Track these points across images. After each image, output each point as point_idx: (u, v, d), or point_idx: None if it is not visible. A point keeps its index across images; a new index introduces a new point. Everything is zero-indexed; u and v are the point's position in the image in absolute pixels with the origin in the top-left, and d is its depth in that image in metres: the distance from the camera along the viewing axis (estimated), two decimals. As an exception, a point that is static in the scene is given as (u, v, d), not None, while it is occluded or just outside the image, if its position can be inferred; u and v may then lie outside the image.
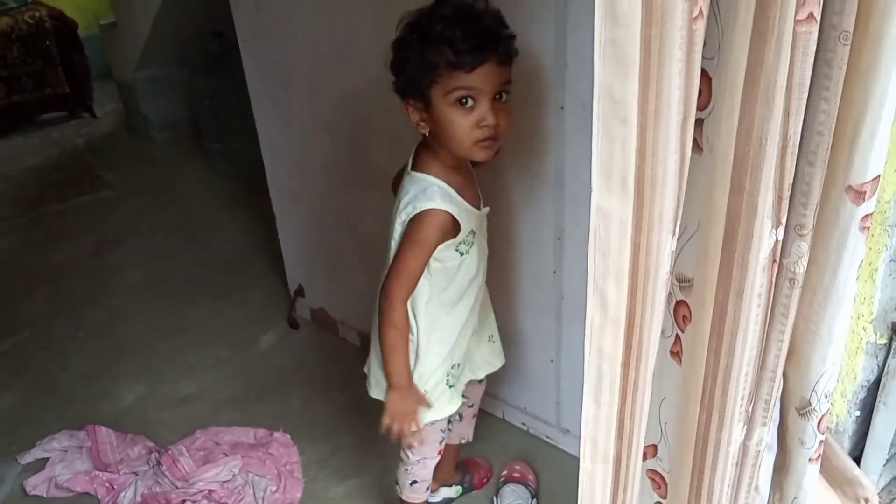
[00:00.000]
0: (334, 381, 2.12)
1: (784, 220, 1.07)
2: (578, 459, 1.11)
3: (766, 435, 1.35)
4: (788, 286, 1.17)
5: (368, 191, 1.96)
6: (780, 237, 1.08)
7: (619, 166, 0.87)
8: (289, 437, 1.93)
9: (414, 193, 1.28)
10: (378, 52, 1.76)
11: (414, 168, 1.32)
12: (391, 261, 1.33)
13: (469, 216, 1.32)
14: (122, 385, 2.22)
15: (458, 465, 1.75)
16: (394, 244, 1.33)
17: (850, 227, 1.10)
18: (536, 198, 1.61)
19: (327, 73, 1.91)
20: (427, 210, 1.26)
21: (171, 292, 2.67)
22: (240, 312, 2.51)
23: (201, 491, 1.72)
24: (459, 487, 1.71)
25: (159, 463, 1.80)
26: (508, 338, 1.88)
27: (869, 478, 1.37)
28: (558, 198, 1.58)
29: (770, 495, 1.47)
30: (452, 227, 1.29)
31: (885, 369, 1.25)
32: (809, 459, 1.34)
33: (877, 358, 1.25)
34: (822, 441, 1.32)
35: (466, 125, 1.21)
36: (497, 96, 1.21)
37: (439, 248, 1.30)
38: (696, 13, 0.81)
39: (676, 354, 1.26)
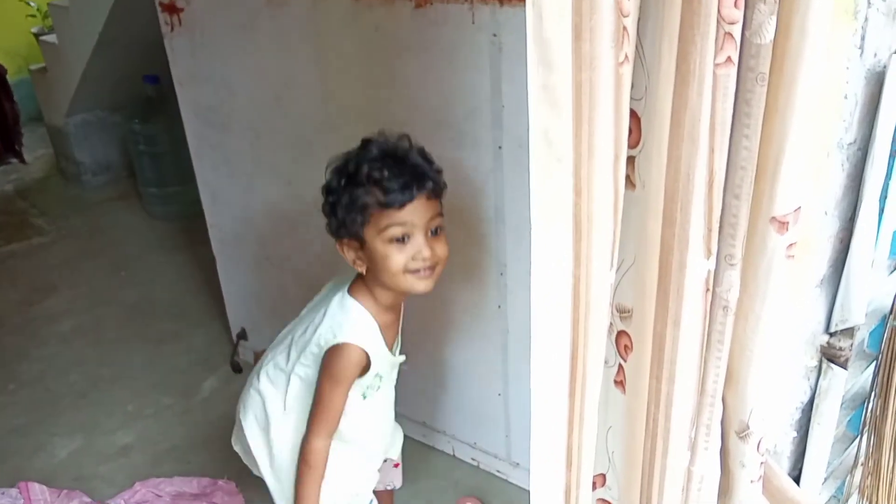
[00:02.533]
0: None
1: (714, 251, 1.12)
2: (529, 493, 1.12)
3: (708, 459, 1.39)
4: (723, 313, 1.22)
5: (311, 232, 1.96)
6: (712, 267, 1.13)
7: (556, 203, 0.90)
8: (234, 484, 1.89)
9: (339, 321, 1.29)
10: (319, 95, 1.79)
11: (350, 292, 1.33)
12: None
13: (383, 360, 1.33)
14: (57, 439, 2.13)
15: None
16: (302, 357, 1.33)
17: (776, 256, 1.15)
18: (478, 235, 1.64)
19: (267, 116, 1.91)
20: (346, 344, 1.27)
21: (107, 340, 2.59)
22: (180, 358, 2.46)
23: (143, 546, 1.67)
24: None
25: (97, 519, 1.74)
26: (456, 373, 1.89)
27: (809, 496, 1.42)
28: (500, 234, 1.61)
29: (714, 518, 1.50)
30: (364, 367, 1.30)
31: (817, 390, 1.31)
32: (751, 481, 1.38)
33: (809, 380, 1.31)
34: (762, 462, 1.37)
35: (402, 260, 1.24)
36: (432, 231, 1.25)
37: None
38: (622, 59, 0.86)
39: (620, 383, 1.29)
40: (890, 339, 1.32)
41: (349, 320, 1.28)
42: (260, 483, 1.89)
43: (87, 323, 2.71)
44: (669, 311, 1.12)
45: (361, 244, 1.25)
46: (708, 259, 1.11)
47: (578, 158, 0.87)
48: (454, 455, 1.99)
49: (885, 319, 1.36)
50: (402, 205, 1.20)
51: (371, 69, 1.64)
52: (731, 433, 1.38)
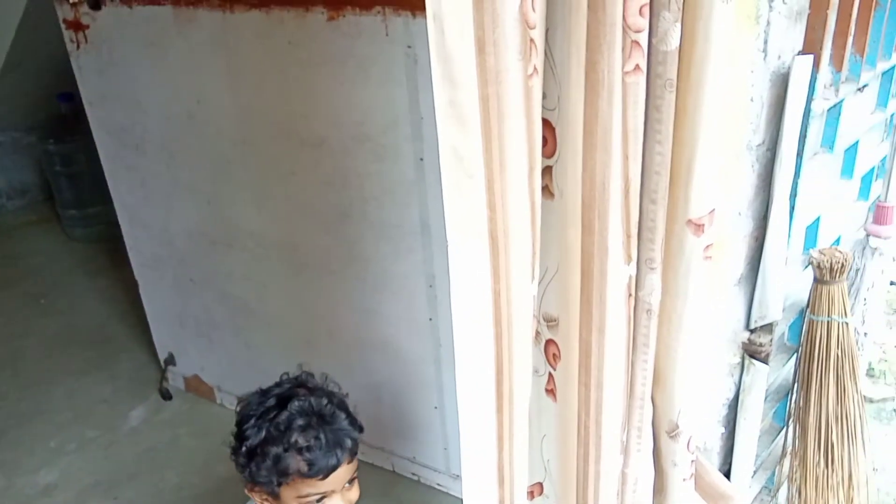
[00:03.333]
0: (213, 451, 2.02)
1: (634, 256, 1.13)
2: (467, 507, 1.11)
3: (641, 461, 1.40)
4: (646, 317, 1.23)
5: (234, 251, 1.91)
6: (633, 272, 1.14)
7: (470, 219, 0.89)
8: (167, 519, 1.82)
9: None
10: (234, 111, 1.74)
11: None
12: None
13: None
14: (-27, 482, 2.02)
15: None
16: None
17: (694, 257, 1.17)
18: (405, 247, 1.62)
19: (182, 135, 1.85)
20: None
21: (27, 373, 2.47)
22: (105, 388, 2.36)
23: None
24: None
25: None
26: (392, 389, 1.86)
27: (740, 490, 1.44)
28: (426, 246, 1.59)
29: (650, 518, 1.52)
30: None
31: (741, 386, 1.34)
32: (683, 479, 1.40)
33: (733, 376, 1.34)
34: (693, 461, 1.39)
35: None
36: (348, 481, 1.23)
37: None
38: (531, 71, 0.85)
39: (551, 392, 1.29)
40: (808, 331, 1.36)
41: None
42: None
43: (4, 356, 2.57)
44: (594, 318, 1.12)
45: (275, 497, 1.22)
46: (629, 264, 1.12)
47: (490, 173, 0.86)
48: (394, 471, 1.96)
49: (802, 313, 1.39)
50: (326, 476, 1.18)
51: (286, 84, 1.60)
52: (661, 433, 1.40)
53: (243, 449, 1.20)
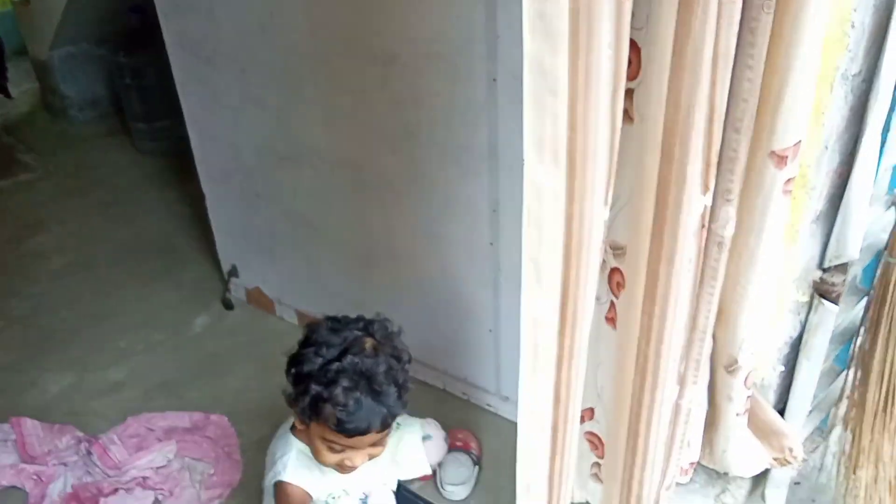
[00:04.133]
0: (271, 360, 2.04)
1: (712, 186, 1.10)
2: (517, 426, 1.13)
3: (697, 393, 1.40)
4: (717, 250, 1.21)
5: (300, 168, 1.93)
6: (709, 203, 1.11)
7: (550, 139, 0.87)
8: (226, 419, 1.90)
9: (276, 456, 1.31)
10: (305, 26, 1.73)
11: (293, 427, 1.32)
12: None
13: (329, 487, 1.32)
14: (48, 375, 2.13)
15: None
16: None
17: (774, 191, 1.14)
18: (471, 171, 1.61)
19: (253, 48, 1.85)
20: (280, 483, 1.28)
21: (98, 277, 2.57)
22: (172, 295, 2.45)
23: (135, 479, 1.68)
24: None
25: (89, 452, 1.75)
26: (448, 310, 1.89)
27: (793, 429, 1.44)
28: (493, 170, 1.58)
29: (701, 450, 1.53)
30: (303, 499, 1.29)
31: (807, 326, 1.31)
32: (737, 414, 1.41)
33: (799, 315, 1.31)
34: (749, 396, 1.38)
35: (331, 460, 1.24)
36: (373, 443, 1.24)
37: None
38: (623, -16, 0.82)
39: (611, 320, 1.29)
40: (883, 274, 1.32)
41: (281, 456, 1.30)
42: (253, 417, 1.91)
43: (78, 260, 2.68)
44: (664, 248, 1.11)
45: (304, 424, 1.25)
46: (705, 195, 1.10)
47: (574, 92, 0.84)
48: (445, 389, 2.01)
49: (878, 255, 1.35)
50: (351, 437, 1.19)
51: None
52: (719, 368, 1.40)
53: (292, 370, 1.24)
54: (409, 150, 1.68)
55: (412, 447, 1.47)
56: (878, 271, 1.33)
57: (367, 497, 1.39)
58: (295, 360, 1.24)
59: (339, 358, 1.20)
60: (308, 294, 2.19)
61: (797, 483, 1.76)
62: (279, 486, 1.29)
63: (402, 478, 1.47)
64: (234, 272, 2.36)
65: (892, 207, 1.26)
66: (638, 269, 1.17)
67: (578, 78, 0.83)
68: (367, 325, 1.27)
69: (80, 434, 1.86)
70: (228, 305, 2.37)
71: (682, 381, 1.35)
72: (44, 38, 3.63)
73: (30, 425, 1.88)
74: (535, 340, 1.05)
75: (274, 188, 2.05)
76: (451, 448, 1.73)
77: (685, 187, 1.04)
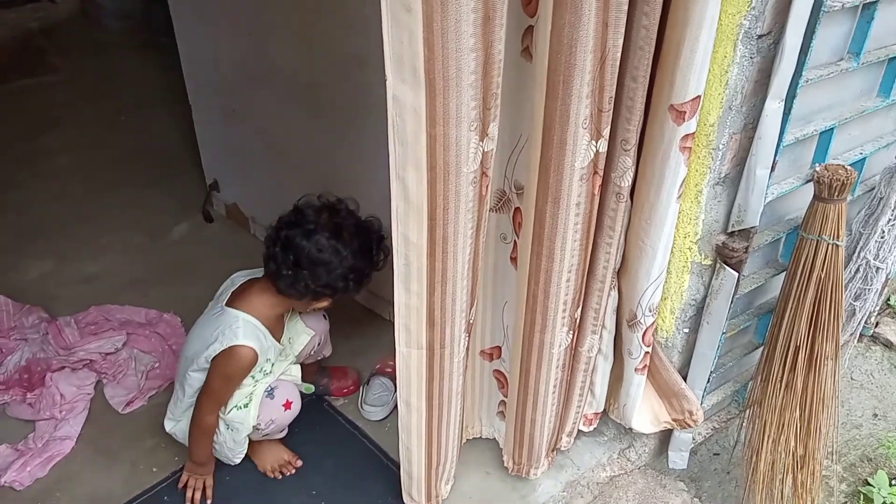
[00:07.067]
0: None
1: (605, 133, 1.10)
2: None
3: (598, 342, 1.42)
4: (615, 200, 1.21)
5: (268, 87, 1.96)
6: (603, 150, 1.12)
7: (408, 56, 0.89)
8: (179, 319, 1.98)
9: (221, 329, 1.42)
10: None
11: (229, 304, 1.46)
12: (204, 383, 1.46)
13: (271, 350, 1.48)
14: (29, 261, 2.25)
15: (321, 368, 1.79)
16: (192, 372, 1.47)
17: (673, 146, 1.14)
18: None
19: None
20: (233, 347, 1.40)
21: (95, 179, 2.67)
22: (158, 202, 2.53)
23: (82, 360, 1.78)
24: (312, 386, 1.69)
25: (47, 333, 1.86)
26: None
27: (694, 392, 1.45)
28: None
29: (606, 402, 1.55)
30: (254, 359, 1.43)
31: (710, 289, 1.31)
32: (635, 369, 1.42)
33: (702, 278, 1.31)
34: (646, 353, 1.40)
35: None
36: None
37: None
38: None
39: (514, 260, 1.31)
40: (797, 249, 1.31)
41: (229, 327, 1.42)
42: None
43: (79, 161, 2.79)
44: (550, 189, 1.12)
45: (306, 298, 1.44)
46: (597, 141, 1.10)
47: (430, 10, 0.85)
48: (390, 319, 2.03)
49: (796, 230, 1.34)
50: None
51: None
52: (623, 321, 1.41)
53: (290, 257, 1.40)
54: (362, 77, 1.68)
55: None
56: (795, 246, 1.32)
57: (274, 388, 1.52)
58: (290, 245, 1.43)
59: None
60: (277, 214, 2.23)
61: (716, 454, 1.78)
62: (232, 351, 1.41)
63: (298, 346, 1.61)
64: (215, 186, 2.43)
65: (811, 182, 1.24)
66: (530, 209, 1.19)
67: (435, -1, 0.84)
68: (332, 205, 1.50)
69: (46, 315, 1.97)
70: (208, 218, 2.45)
71: (580, 329, 1.37)
72: (86, -52, 3.71)
73: (2, 301, 1.99)
74: (406, 259, 1.08)
75: (246, 106, 2.09)
76: (380, 373, 1.78)
77: (569, 127, 1.05)
